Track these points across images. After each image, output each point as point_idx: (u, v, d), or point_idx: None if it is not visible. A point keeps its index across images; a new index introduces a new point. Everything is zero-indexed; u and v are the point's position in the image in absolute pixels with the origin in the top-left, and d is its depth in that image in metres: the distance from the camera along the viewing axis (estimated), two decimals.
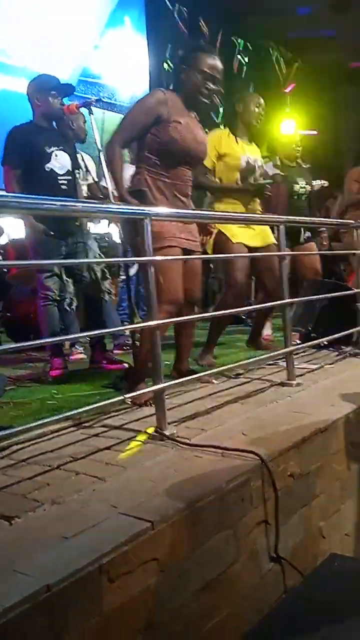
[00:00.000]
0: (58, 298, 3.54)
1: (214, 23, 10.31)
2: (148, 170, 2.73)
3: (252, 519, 1.85)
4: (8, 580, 1.24)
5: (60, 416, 2.11)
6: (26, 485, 1.76)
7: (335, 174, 6.50)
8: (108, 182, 3.54)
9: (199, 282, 3.02)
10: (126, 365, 3.53)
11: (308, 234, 4.68)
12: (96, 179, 4.09)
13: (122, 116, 2.86)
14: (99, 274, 3.66)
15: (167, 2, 9.41)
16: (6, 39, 6.55)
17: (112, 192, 3.53)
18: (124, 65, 8.19)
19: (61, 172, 3.45)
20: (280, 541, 1.92)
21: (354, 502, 2.48)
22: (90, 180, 4.19)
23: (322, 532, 2.22)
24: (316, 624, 1.63)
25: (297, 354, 3.33)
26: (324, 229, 5.94)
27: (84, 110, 3.65)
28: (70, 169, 3.51)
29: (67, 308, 3.66)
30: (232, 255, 3.40)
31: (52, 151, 3.42)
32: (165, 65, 8.87)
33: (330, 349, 3.88)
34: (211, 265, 6.01)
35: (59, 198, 2.29)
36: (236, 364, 3.13)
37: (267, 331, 4.30)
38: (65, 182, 3.47)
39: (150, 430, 2.18)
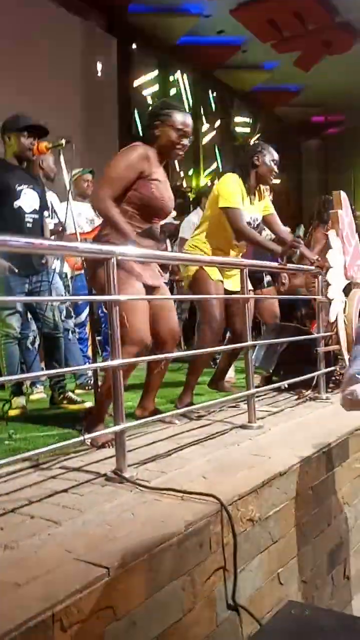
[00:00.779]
0: (19, 336, 3.51)
1: (184, 74, 10.68)
2: (127, 222, 2.78)
3: (210, 565, 1.82)
4: None
5: (17, 457, 2.06)
6: None
7: (297, 223, 6.71)
8: (73, 225, 3.60)
9: (175, 318, 3.03)
10: (88, 405, 3.50)
11: (269, 278, 4.78)
12: (62, 220, 4.11)
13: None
14: (57, 315, 3.65)
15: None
16: None
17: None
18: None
19: (28, 210, 3.49)
20: (238, 588, 1.89)
21: (312, 547, 2.47)
22: (57, 221, 4.22)
23: (279, 579, 2.20)
24: None
25: (258, 396, 3.35)
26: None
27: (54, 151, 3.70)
28: (37, 207, 3.54)
29: (29, 346, 3.63)
30: (209, 295, 3.40)
31: (22, 189, 3.45)
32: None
33: (291, 392, 3.92)
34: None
35: (26, 235, 2.31)
36: (198, 406, 3.13)
37: (230, 374, 4.32)
38: (31, 220, 3.50)
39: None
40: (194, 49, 10.05)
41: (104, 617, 1.42)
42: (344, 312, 4.00)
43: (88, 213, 4.71)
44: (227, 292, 3.51)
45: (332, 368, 4.04)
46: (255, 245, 3.51)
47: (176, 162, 10.26)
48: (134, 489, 2.03)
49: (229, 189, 3.43)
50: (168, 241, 6.47)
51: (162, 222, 3.19)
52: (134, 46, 9.59)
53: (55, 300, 3.74)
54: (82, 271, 3.88)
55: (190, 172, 11.06)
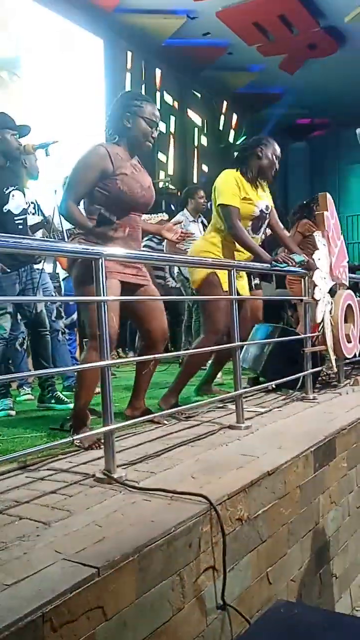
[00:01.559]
0: (7, 337, 3.49)
1: (170, 75, 10.69)
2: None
3: (200, 565, 1.82)
4: None
5: (5, 458, 2.05)
6: None
7: (283, 224, 6.72)
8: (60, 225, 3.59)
9: (164, 318, 3.02)
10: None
11: (257, 280, 4.79)
12: (47, 217, 4.10)
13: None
14: (44, 312, 3.65)
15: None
16: None
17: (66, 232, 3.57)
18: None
19: (17, 212, 3.49)
20: (227, 587, 1.90)
21: (300, 546, 2.48)
22: (42, 218, 4.20)
23: (268, 578, 2.21)
24: None
25: (246, 397, 3.36)
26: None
27: (40, 151, 3.69)
28: (25, 207, 3.53)
29: (18, 347, 3.62)
30: (197, 297, 3.39)
31: (10, 192, 3.45)
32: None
33: (278, 392, 3.94)
34: None
35: (13, 235, 2.30)
36: (187, 407, 3.13)
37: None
38: (21, 221, 3.49)
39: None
40: (180, 50, 10.06)
41: (94, 617, 1.42)
42: (330, 313, 4.03)
43: None
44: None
45: (319, 368, 4.07)
46: (245, 248, 3.50)
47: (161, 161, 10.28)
48: (123, 489, 2.02)
49: (226, 186, 3.42)
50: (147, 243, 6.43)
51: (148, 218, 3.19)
52: (120, 47, 9.58)
53: (45, 300, 3.73)
54: None
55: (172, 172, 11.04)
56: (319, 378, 4.24)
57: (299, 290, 4.27)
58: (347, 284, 4.35)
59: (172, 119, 11.13)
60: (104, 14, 8.77)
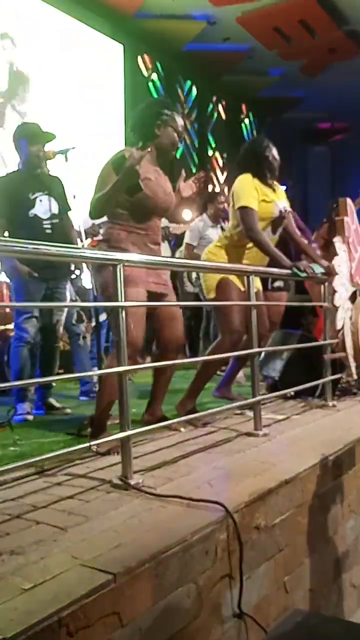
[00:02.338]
0: (32, 341, 3.53)
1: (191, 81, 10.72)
2: (121, 225, 2.81)
3: (216, 573, 1.82)
4: None
5: (22, 463, 2.06)
6: None
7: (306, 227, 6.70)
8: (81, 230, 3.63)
9: (181, 326, 3.03)
10: (67, 410, 3.53)
11: (279, 283, 4.74)
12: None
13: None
14: (60, 326, 3.69)
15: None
16: None
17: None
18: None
19: (45, 217, 3.53)
20: (244, 596, 1.89)
21: (317, 555, 2.46)
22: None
23: (286, 587, 2.19)
24: None
25: (264, 404, 3.35)
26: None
27: (60, 157, 3.72)
28: (57, 212, 3.57)
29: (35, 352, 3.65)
30: (204, 303, 3.41)
31: (36, 197, 3.50)
32: None
33: (297, 399, 3.92)
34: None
35: (30, 241, 2.33)
36: (204, 413, 3.12)
37: (240, 374, 4.27)
38: (50, 225, 3.53)
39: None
40: (200, 55, 10.09)
41: (110, 623, 1.42)
42: (351, 319, 3.99)
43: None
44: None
45: (338, 375, 4.04)
46: (264, 253, 3.48)
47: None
48: (139, 495, 2.03)
49: (244, 190, 3.41)
50: (167, 245, 6.44)
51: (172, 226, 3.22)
52: (139, 52, 9.64)
53: (63, 306, 3.76)
54: None
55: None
56: (339, 385, 4.20)
57: (318, 294, 4.23)
58: None
59: (194, 122, 11.16)
60: (124, 20, 8.83)
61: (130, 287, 2.66)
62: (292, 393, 3.72)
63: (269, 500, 2.11)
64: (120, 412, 2.19)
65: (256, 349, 3.08)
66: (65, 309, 3.81)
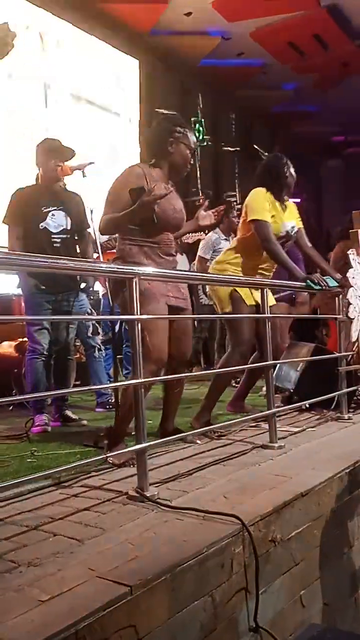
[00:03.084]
0: (46, 353, 3.56)
1: (205, 96, 10.81)
2: (133, 240, 2.83)
3: (232, 586, 1.81)
4: None
5: (39, 475, 2.08)
6: (2, 545, 1.72)
7: (319, 241, 6.73)
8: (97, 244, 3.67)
9: (190, 342, 3.06)
10: (84, 422, 3.54)
11: (285, 293, 4.75)
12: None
13: None
14: (72, 338, 3.72)
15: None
16: None
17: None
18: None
19: (55, 231, 3.57)
20: (260, 610, 1.88)
21: (334, 569, 2.44)
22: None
23: (302, 601, 2.17)
24: None
25: (279, 416, 3.34)
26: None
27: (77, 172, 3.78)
28: (68, 227, 3.62)
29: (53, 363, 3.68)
30: (219, 316, 3.43)
31: (49, 211, 3.56)
32: None
33: (312, 412, 3.90)
34: (195, 324, 6.05)
35: (47, 256, 2.36)
36: (219, 425, 3.13)
37: None
38: (59, 240, 3.58)
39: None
40: (215, 70, 10.18)
41: (126, 635, 1.42)
42: None
43: None
44: (258, 305, 3.50)
45: (354, 388, 4.01)
46: (279, 264, 3.51)
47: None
48: (155, 508, 2.03)
49: (258, 203, 3.45)
50: (185, 258, 6.48)
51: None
52: (155, 68, 9.75)
53: (78, 319, 3.80)
54: None
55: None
56: (354, 398, 4.18)
57: (333, 306, 4.22)
58: None
59: (208, 137, 11.22)
60: (140, 36, 8.95)
61: (152, 304, 2.69)
62: (307, 405, 3.70)
63: (285, 513, 2.10)
64: (136, 424, 2.20)
65: (270, 362, 3.08)
66: (76, 322, 3.86)
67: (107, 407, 4.24)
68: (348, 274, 3.84)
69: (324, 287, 3.52)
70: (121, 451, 2.46)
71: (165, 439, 2.64)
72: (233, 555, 1.82)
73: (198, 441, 3.04)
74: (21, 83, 7.07)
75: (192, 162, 2.96)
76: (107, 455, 2.40)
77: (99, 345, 4.25)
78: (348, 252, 4.08)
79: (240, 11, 8.44)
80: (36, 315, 3.59)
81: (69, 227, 3.63)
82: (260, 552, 1.90)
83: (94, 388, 4.31)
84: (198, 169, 9.40)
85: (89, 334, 4.12)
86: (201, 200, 3.24)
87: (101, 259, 4.01)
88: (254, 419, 3.35)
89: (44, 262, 2.18)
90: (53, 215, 3.57)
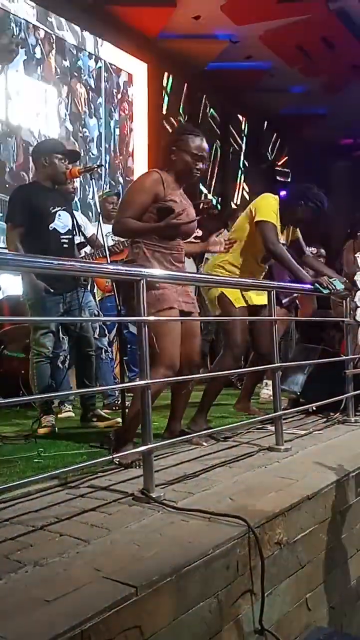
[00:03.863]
0: (51, 355, 3.56)
1: (213, 99, 10.83)
2: (146, 244, 2.84)
3: (237, 588, 1.81)
4: None
5: (46, 475, 2.09)
6: (9, 545, 1.73)
7: (327, 245, 6.71)
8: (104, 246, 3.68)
9: (198, 345, 3.06)
10: (118, 421, 3.53)
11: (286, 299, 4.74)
12: (94, 234, 4.23)
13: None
14: (90, 332, 3.71)
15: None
16: None
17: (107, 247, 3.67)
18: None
19: (63, 231, 3.59)
20: (265, 612, 1.87)
21: (340, 573, 2.43)
22: (82, 239, 4.28)
23: (308, 604, 2.17)
24: None
25: (285, 419, 3.34)
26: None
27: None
28: (70, 228, 3.64)
29: (60, 365, 3.68)
30: (232, 317, 3.42)
31: (56, 211, 3.56)
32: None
33: (319, 415, 3.89)
34: (202, 326, 6.03)
35: (56, 257, 2.37)
36: (225, 427, 3.13)
37: (268, 391, 4.27)
38: (67, 240, 3.60)
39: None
40: (223, 73, 10.19)
41: (131, 636, 1.42)
42: None
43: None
44: (256, 307, 3.51)
45: None
46: (285, 267, 3.51)
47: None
48: (161, 509, 2.03)
49: (268, 207, 3.45)
50: (192, 261, 6.48)
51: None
52: (163, 71, 9.77)
53: (87, 320, 3.80)
54: (112, 293, 3.94)
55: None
56: None
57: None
58: None
59: (215, 140, 11.23)
60: (148, 40, 8.97)
61: (166, 311, 2.71)
62: (314, 408, 3.70)
63: (291, 515, 2.10)
64: (142, 425, 2.21)
65: (277, 364, 3.08)
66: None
67: (114, 408, 4.24)
68: (355, 277, 3.83)
69: (332, 291, 3.51)
70: (127, 452, 2.46)
71: (171, 440, 2.64)
72: (239, 557, 1.81)
73: (204, 443, 3.03)
74: (31, 85, 7.11)
75: (198, 167, 2.92)
76: (114, 456, 2.40)
77: (106, 346, 4.25)
78: (356, 255, 4.08)
79: (248, 14, 8.45)
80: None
81: (71, 227, 3.65)
82: (266, 554, 1.90)
83: (102, 389, 4.31)
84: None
85: (96, 336, 4.13)
86: (203, 205, 3.24)
87: (109, 261, 4.02)
88: (261, 421, 3.35)
89: (52, 263, 2.18)
90: (60, 215, 3.58)
